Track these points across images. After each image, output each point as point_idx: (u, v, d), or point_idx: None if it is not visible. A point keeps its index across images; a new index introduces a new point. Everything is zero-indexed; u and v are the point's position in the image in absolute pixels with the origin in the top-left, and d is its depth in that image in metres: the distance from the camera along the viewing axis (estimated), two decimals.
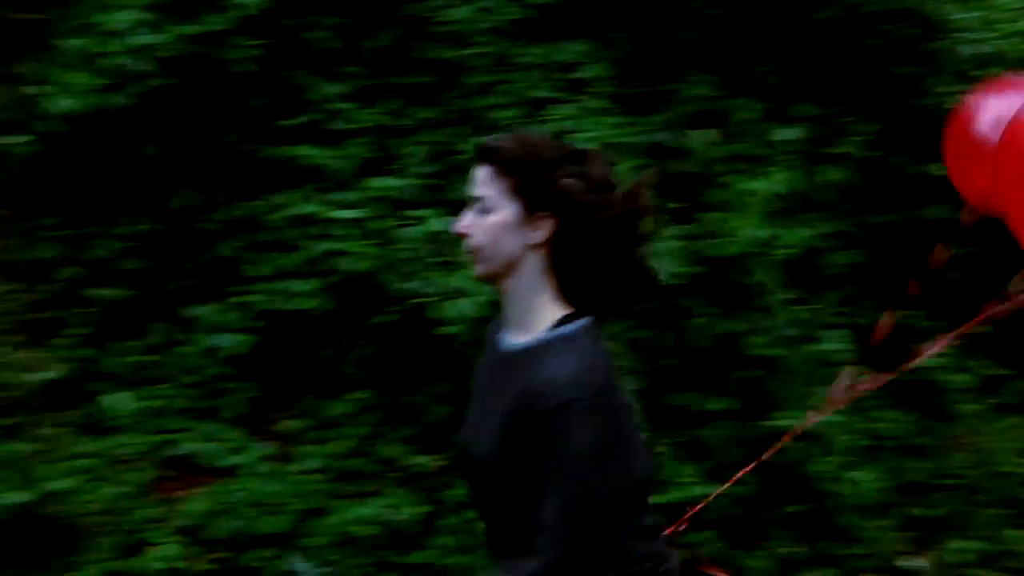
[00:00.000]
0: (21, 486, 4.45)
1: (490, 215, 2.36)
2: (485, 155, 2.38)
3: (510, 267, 2.37)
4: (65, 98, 5.07)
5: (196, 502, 4.81)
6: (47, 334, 5.15)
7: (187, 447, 5.02)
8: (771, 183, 5.43)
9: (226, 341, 5.17)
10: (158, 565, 4.58)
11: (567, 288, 2.38)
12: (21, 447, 4.68)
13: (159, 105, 5.22)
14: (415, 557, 4.80)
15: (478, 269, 2.42)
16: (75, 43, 5.20)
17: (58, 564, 4.45)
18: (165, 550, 4.63)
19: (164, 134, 5.31)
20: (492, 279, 2.42)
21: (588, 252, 2.35)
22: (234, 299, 5.24)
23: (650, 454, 2.51)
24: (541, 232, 2.35)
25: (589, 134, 5.26)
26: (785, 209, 5.51)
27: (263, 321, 5.18)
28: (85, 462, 4.79)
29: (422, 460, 5.09)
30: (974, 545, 5.53)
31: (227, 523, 4.72)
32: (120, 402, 5.06)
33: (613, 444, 2.26)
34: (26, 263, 5.22)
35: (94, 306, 5.25)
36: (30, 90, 5.23)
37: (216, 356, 5.19)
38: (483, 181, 2.38)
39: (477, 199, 2.39)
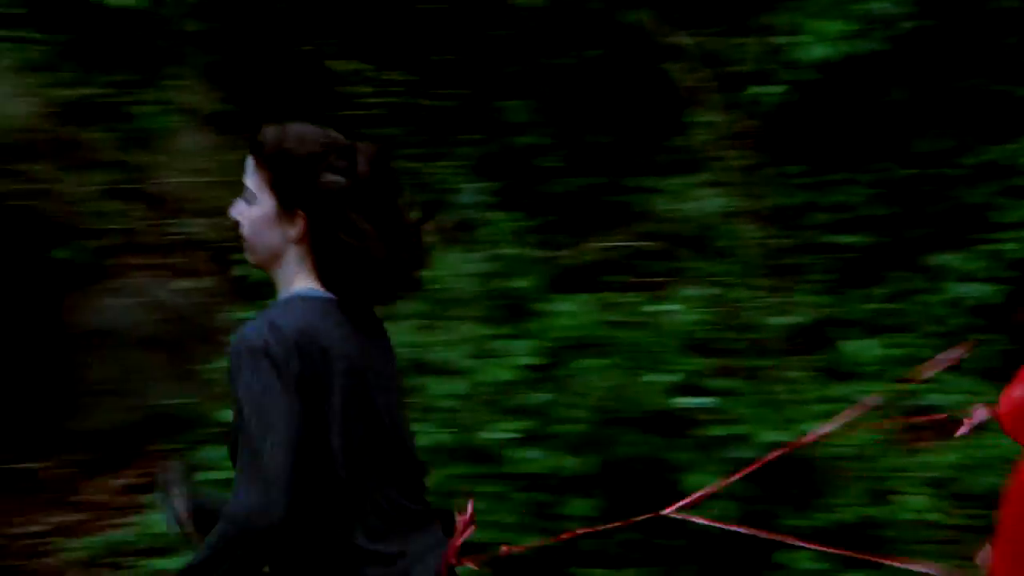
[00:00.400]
0: (779, 426, 4.59)
1: (253, 206, 2.36)
2: (251, 145, 2.37)
3: (274, 258, 2.38)
4: (818, 46, 5.14)
5: (945, 454, 4.70)
6: (794, 279, 5.28)
7: (931, 398, 4.92)
8: None
9: (973, 291, 5.02)
10: (907, 516, 4.52)
11: (325, 277, 2.36)
12: (775, 388, 4.84)
13: (911, 48, 5.14)
14: None
15: (248, 257, 2.43)
16: None
17: (814, 504, 4.55)
18: (913, 501, 4.57)
19: (914, 77, 5.21)
20: (262, 268, 2.43)
21: (343, 248, 2.32)
22: (983, 247, 5.07)
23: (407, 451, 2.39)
24: (296, 228, 2.34)
25: None
26: None
27: (1015, 271, 4.95)
28: (831, 406, 4.85)
29: None
30: None
31: (980, 478, 4.56)
32: (863, 349, 5.08)
33: (300, 403, 2.20)
34: (775, 209, 5.39)
35: (836, 252, 5.30)
36: (780, 40, 5.36)
37: (962, 306, 5.04)
38: (248, 171, 2.38)
39: (245, 188, 2.39)
